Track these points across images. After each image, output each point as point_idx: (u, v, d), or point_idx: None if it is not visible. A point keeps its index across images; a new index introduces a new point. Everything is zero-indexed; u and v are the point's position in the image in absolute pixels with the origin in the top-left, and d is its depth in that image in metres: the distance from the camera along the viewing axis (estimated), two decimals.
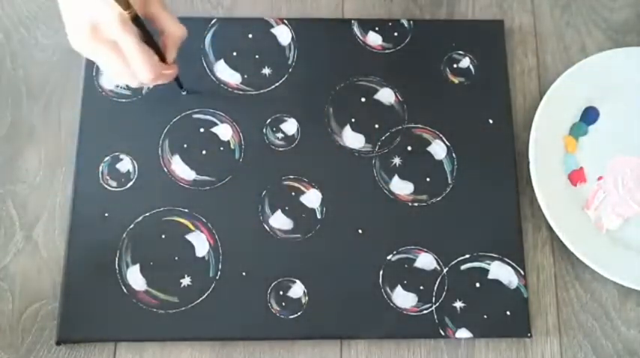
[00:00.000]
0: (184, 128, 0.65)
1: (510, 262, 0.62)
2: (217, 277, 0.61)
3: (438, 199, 0.64)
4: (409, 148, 0.65)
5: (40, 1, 0.70)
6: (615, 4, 0.72)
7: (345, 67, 0.67)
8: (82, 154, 0.64)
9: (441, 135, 0.66)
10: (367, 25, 0.69)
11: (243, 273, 0.61)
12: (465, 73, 0.68)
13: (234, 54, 0.68)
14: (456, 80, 0.68)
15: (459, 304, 0.61)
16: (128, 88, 0.66)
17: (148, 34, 0.53)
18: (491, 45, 0.69)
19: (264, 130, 0.65)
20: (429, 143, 0.65)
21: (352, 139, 0.65)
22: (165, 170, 0.64)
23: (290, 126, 0.66)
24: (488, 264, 0.62)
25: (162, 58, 0.55)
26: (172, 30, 0.54)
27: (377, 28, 0.69)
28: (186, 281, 0.61)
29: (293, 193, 0.64)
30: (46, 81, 0.67)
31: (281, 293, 0.61)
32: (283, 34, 0.69)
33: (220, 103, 0.66)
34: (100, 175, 0.63)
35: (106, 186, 0.63)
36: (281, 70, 0.67)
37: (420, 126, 0.66)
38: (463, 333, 0.60)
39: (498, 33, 0.69)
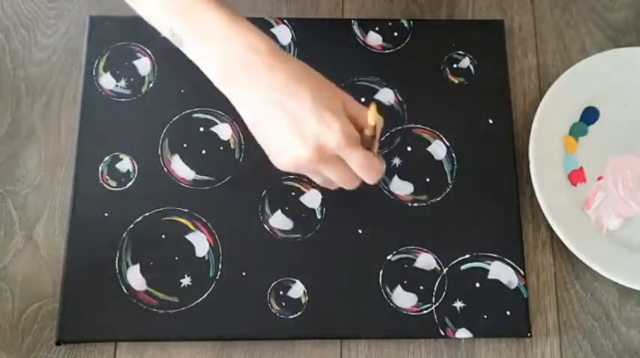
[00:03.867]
0: (184, 127, 0.65)
1: (510, 262, 0.62)
2: (217, 277, 0.61)
3: (438, 199, 0.64)
4: (409, 148, 0.65)
5: (40, 1, 0.70)
6: (615, 4, 0.72)
7: (345, 67, 0.67)
8: (82, 154, 0.64)
9: (441, 135, 0.66)
10: (367, 25, 0.69)
11: (243, 273, 0.61)
12: (465, 73, 0.68)
13: None
14: (456, 80, 0.68)
15: (458, 304, 0.61)
16: (128, 87, 0.66)
17: (371, 141, 0.52)
18: (491, 45, 0.69)
19: None
20: (429, 143, 0.65)
21: None
22: (165, 170, 0.64)
23: None
24: (489, 264, 0.62)
25: None
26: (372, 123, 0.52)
27: (377, 28, 0.69)
28: (186, 281, 0.61)
29: (293, 193, 0.63)
30: (46, 81, 0.67)
31: (281, 293, 0.60)
32: (283, 34, 0.68)
33: (220, 102, 0.65)
34: (100, 175, 0.63)
35: (106, 186, 0.63)
36: None
37: (420, 126, 0.66)
38: (463, 333, 0.60)
39: (498, 33, 0.69)
